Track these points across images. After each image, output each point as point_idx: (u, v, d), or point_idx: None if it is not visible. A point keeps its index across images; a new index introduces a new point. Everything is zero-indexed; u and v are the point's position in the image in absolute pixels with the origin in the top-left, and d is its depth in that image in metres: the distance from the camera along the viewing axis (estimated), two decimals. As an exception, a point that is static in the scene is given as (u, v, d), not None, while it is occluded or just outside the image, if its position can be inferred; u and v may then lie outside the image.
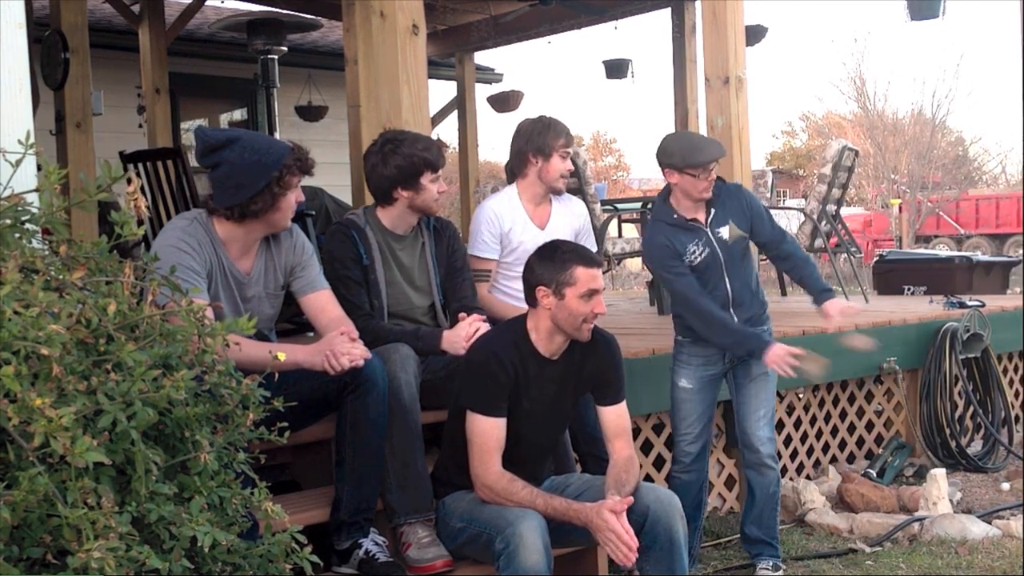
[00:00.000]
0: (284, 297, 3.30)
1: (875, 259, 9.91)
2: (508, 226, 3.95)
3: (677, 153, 3.72)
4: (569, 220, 4.09)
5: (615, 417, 3.21)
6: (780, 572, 3.96)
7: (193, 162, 5.97)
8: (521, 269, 3.83)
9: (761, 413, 3.90)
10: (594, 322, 3.10)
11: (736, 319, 3.81)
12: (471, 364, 3.09)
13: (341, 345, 2.97)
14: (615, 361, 3.22)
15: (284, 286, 3.26)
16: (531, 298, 3.08)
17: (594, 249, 4.23)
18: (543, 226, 4.01)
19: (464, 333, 3.36)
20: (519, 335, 3.11)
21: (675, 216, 3.79)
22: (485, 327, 3.38)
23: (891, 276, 9.03)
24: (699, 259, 3.78)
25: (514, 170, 4.04)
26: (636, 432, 4.60)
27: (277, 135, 8.70)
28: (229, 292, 3.10)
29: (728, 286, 3.82)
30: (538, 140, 3.94)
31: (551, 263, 3.05)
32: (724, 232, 3.81)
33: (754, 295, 3.88)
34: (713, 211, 3.81)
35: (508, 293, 3.97)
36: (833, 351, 5.36)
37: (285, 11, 8.25)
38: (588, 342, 3.12)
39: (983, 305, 6.46)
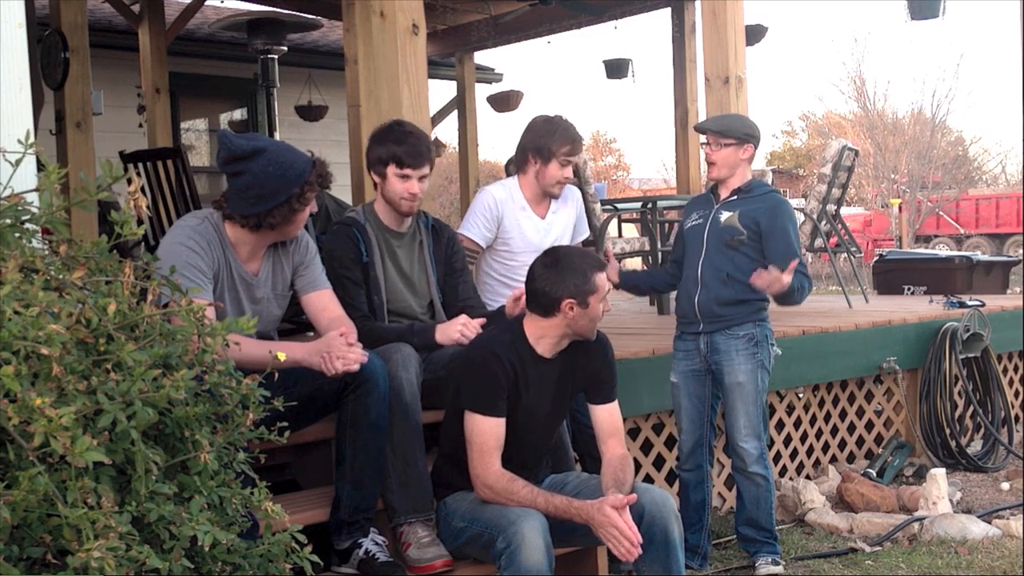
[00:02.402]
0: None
1: (875, 259, 9.92)
2: (506, 214, 3.94)
3: None
4: (569, 207, 4.10)
5: (608, 416, 3.23)
6: (780, 568, 3.97)
7: (193, 162, 5.99)
8: (519, 257, 3.86)
9: (741, 423, 3.90)
10: None
11: (700, 298, 3.90)
12: (470, 364, 3.09)
13: (338, 348, 2.95)
14: (608, 360, 3.24)
15: (291, 286, 3.26)
16: (552, 310, 3.05)
17: (587, 231, 4.28)
18: (544, 216, 4.01)
19: (457, 325, 3.36)
20: (516, 336, 3.11)
21: (710, 187, 4.05)
22: (475, 324, 3.36)
23: (891, 276, 9.04)
24: (691, 224, 4.01)
25: (516, 164, 4.02)
26: (636, 432, 4.60)
27: (277, 135, 8.70)
28: (236, 294, 3.10)
29: (700, 263, 3.92)
30: (540, 141, 3.90)
31: (572, 273, 3.02)
32: (724, 216, 3.91)
33: (725, 286, 3.87)
34: (735, 197, 3.93)
35: (504, 281, 3.97)
36: (834, 351, 5.39)
37: (285, 11, 8.25)
38: (582, 341, 3.14)
39: (983, 305, 6.47)
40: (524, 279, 3.23)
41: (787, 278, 3.66)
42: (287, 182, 2.99)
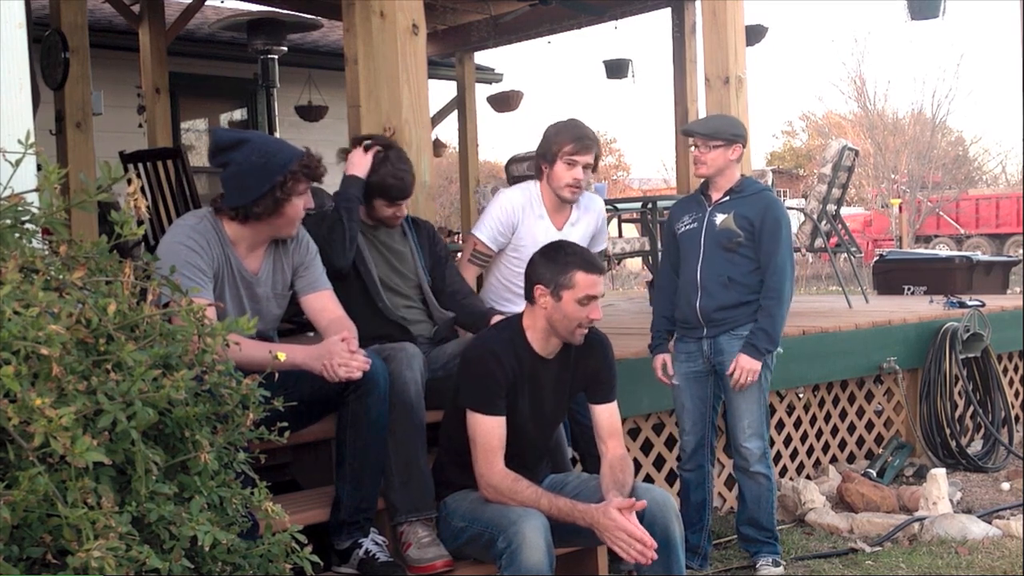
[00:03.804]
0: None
1: (875, 259, 9.92)
2: (523, 221, 3.88)
3: None
4: (589, 220, 4.04)
5: (607, 416, 3.23)
6: (780, 569, 3.97)
7: (193, 162, 5.99)
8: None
9: (745, 423, 3.90)
10: (588, 328, 3.10)
11: (701, 304, 3.89)
12: (469, 364, 3.10)
13: (340, 355, 2.93)
14: (608, 360, 3.24)
15: (291, 286, 3.25)
16: (529, 295, 3.09)
17: (605, 244, 4.23)
18: (560, 227, 3.93)
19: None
20: (515, 333, 3.11)
21: (699, 188, 4.03)
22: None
23: (891, 276, 9.04)
24: (684, 229, 3.99)
25: (535, 173, 3.97)
26: (636, 432, 4.60)
27: (277, 135, 8.70)
28: (237, 292, 3.09)
29: (699, 268, 3.90)
30: (545, 144, 3.84)
31: (553, 264, 3.04)
32: (719, 218, 3.89)
33: (726, 290, 3.87)
34: (727, 198, 3.91)
35: (509, 286, 3.95)
36: (834, 351, 5.39)
37: (285, 11, 8.25)
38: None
39: (983, 305, 6.47)
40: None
41: (755, 364, 3.80)
42: (270, 172, 2.97)
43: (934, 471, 4.84)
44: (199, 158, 10.17)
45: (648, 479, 4.59)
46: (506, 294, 3.96)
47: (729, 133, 3.90)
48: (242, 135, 3.06)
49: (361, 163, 3.58)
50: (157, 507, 1.82)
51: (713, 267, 3.87)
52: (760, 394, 3.89)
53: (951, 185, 27.77)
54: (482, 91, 10.50)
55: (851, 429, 5.72)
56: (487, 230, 3.90)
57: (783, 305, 3.85)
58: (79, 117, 6.31)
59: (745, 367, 3.80)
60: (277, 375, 2.28)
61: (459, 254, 4.22)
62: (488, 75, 11.27)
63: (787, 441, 5.32)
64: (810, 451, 5.47)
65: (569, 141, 3.80)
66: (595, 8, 8.53)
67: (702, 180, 4.00)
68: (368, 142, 3.64)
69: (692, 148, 3.96)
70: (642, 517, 2.93)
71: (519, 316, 3.17)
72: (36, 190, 2.03)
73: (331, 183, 3.87)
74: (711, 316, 3.88)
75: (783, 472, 5.28)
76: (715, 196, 3.94)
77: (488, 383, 3.02)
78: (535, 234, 3.88)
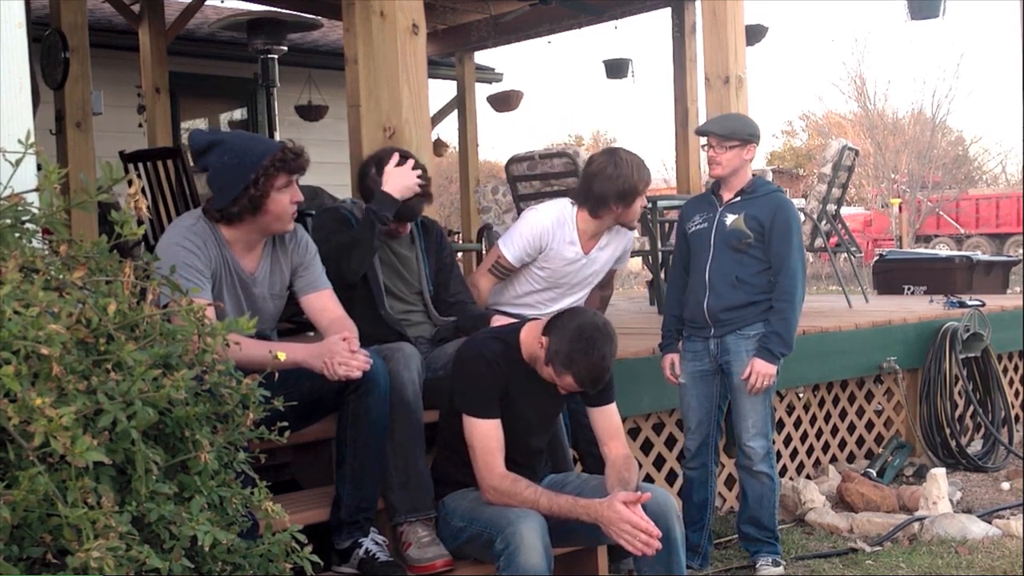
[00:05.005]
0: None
1: (875, 259, 9.93)
2: (551, 245, 3.87)
3: None
4: (617, 244, 4.03)
5: (607, 418, 3.23)
6: (780, 569, 3.97)
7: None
8: (551, 286, 3.88)
9: (750, 423, 3.90)
10: None
11: (709, 304, 3.88)
12: (462, 368, 3.09)
13: (341, 354, 2.92)
14: None
15: (289, 286, 3.24)
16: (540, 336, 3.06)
17: (626, 263, 4.22)
18: (588, 252, 3.93)
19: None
20: (510, 346, 3.10)
21: (711, 188, 4.02)
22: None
23: (891, 276, 9.05)
24: (694, 228, 3.98)
25: (588, 207, 3.87)
26: (636, 432, 4.60)
27: (277, 135, 8.69)
28: (234, 291, 3.08)
29: (708, 268, 3.90)
30: (622, 184, 3.76)
31: (568, 354, 2.93)
32: (729, 219, 3.88)
33: (735, 290, 3.86)
34: (738, 199, 3.90)
35: (533, 306, 3.96)
36: (834, 351, 5.39)
37: (285, 11, 8.25)
38: None
39: (983, 305, 6.47)
40: (534, 309, 3.42)
41: (770, 368, 3.80)
42: (243, 170, 2.94)
43: (934, 471, 4.84)
44: (199, 158, 10.16)
45: (648, 479, 4.58)
46: (518, 302, 3.96)
47: (746, 133, 3.88)
48: (215, 137, 3.02)
49: (399, 183, 3.44)
50: (157, 507, 1.82)
51: (722, 267, 3.87)
52: (766, 394, 3.89)
53: (951, 185, 27.75)
54: (482, 91, 10.50)
55: (851, 429, 5.72)
56: (515, 249, 3.87)
57: (796, 308, 3.84)
58: (79, 117, 6.31)
59: (761, 371, 3.80)
60: (277, 374, 2.28)
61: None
62: (488, 75, 11.27)
63: (787, 441, 5.32)
64: (810, 451, 5.47)
65: (646, 176, 3.85)
66: (595, 8, 8.53)
67: (714, 180, 3.98)
68: (409, 160, 3.51)
69: (707, 148, 3.91)
70: (642, 516, 2.93)
71: (516, 329, 3.15)
72: (36, 190, 2.03)
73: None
74: (718, 316, 3.88)
75: (783, 472, 5.27)
76: (726, 196, 3.93)
77: (482, 386, 3.02)
78: (563, 256, 3.89)
